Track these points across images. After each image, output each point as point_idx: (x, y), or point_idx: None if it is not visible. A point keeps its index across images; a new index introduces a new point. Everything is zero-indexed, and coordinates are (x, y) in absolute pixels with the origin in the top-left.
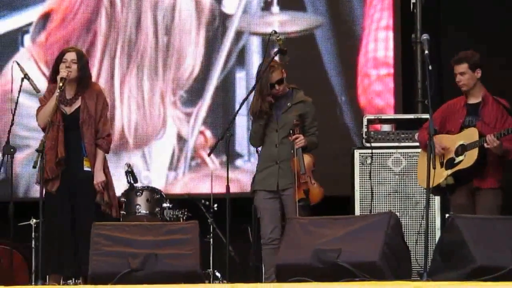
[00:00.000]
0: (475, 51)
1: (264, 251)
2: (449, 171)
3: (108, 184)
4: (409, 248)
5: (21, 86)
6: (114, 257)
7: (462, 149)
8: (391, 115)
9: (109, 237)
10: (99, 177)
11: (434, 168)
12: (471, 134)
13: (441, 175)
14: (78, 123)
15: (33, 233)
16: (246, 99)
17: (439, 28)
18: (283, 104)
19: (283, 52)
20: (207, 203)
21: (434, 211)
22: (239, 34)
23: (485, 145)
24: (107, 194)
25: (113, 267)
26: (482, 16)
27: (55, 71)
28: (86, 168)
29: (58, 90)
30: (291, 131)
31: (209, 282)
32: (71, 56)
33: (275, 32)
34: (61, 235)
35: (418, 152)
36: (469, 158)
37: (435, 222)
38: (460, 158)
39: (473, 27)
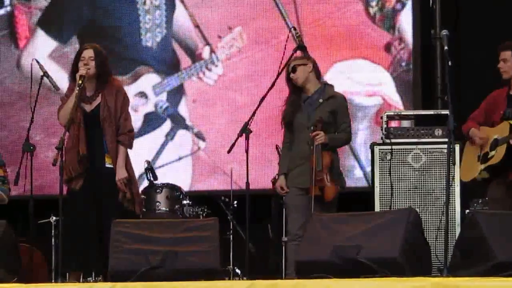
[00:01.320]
0: None
1: (288, 247)
2: (483, 166)
3: (130, 180)
4: (429, 244)
5: (40, 84)
6: (134, 254)
7: (495, 144)
8: (410, 111)
9: (129, 235)
10: (121, 174)
11: (454, 164)
12: (504, 128)
13: (477, 169)
14: (99, 120)
15: (52, 231)
16: (264, 96)
17: (458, 24)
18: (314, 100)
19: (303, 48)
20: (227, 200)
21: (454, 207)
22: None
23: (511, 141)
24: (129, 190)
25: (132, 264)
26: (501, 11)
27: (74, 69)
28: (107, 165)
29: (77, 88)
30: (312, 127)
31: (229, 279)
32: (88, 53)
33: (294, 29)
34: (84, 233)
35: (438, 148)
36: (498, 154)
37: (455, 218)
38: (493, 153)
39: (492, 24)
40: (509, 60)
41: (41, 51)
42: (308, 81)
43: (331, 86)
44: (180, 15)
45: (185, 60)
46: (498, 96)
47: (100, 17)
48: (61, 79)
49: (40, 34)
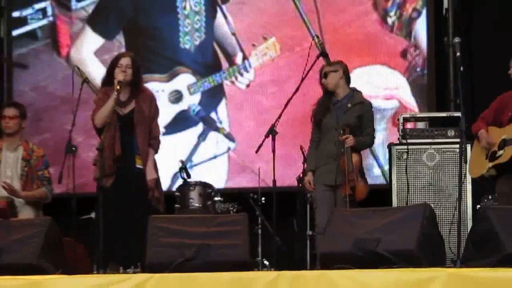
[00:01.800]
0: None
1: (317, 240)
2: (491, 164)
3: (158, 181)
4: (443, 237)
5: (81, 89)
6: (170, 247)
7: (503, 144)
8: (425, 113)
9: (165, 229)
10: (151, 175)
11: (466, 163)
12: None
13: (485, 167)
14: (132, 123)
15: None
16: (289, 100)
17: (470, 31)
18: (344, 104)
19: (325, 55)
20: (255, 196)
21: (466, 203)
22: None
23: None
24: (157, 191)
25: (168, 256)
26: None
27: (109, 75)
28: (138, 165)
29: (116, 93)
30: (341, 130)
31: (258, 270)
32: (126, 61)
33: (317, 37)
34: (115, 227)
35: (451, 148)
36: (506, 153)
37: (467, 213)
38: (501, 152)
39: (501, 31)
40: None
41: (88, 48)
42: (338, 87)
43: (359, 92)
44: (219, 22)
45: (220, 64)
46: (508, 98)
47: (142, 17)
48: (99, 75)
49: (88, 31)
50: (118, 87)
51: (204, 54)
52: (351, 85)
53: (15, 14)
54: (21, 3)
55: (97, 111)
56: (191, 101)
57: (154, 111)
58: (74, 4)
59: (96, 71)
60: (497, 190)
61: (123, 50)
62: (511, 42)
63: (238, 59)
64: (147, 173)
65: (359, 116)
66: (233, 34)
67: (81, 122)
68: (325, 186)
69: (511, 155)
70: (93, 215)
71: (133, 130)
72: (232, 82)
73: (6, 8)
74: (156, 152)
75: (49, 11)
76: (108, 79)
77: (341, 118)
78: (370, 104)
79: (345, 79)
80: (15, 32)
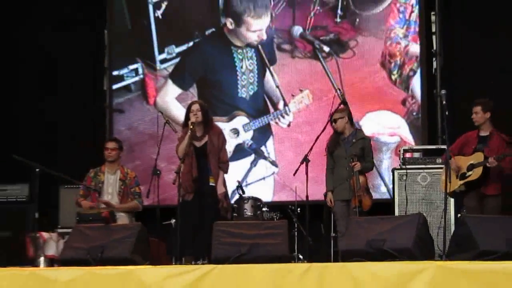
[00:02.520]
0: (489, 100)
1: (339, 240)
2: (461, 182)
3: (227, 195)
4: (433, 238)
5: (163, 128)
6: (229, 245)
7: (471, 167)
8: (419, 146)
9: (226, 232)
10: (220, 190)
11: (450, 182)
12: (478, 156)
13: (456, 184)
14: (206, 152)
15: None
16: (319, 136)
17: (454, 85)
18: (350, 140)
19: (345, 103)
20: (293, 207)
21: (450, 213)
22: None
23: (487, 164)
24: (226, 202)
25: (228, 252)
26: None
27: (186, 119)
28: (211, 183)
29: (190, 131)
30: (351, 159)
31: (295, 262)
32: (196, 107)
33: (339, 90)
34: (193, 229)
35: (438, 172)
36: (475, 173)
37: (450, 220)
38: (470, 173)
39: (476, 85)
40: (478, 113)
41: (170, 96)
42: (345, 129)
43: (361, 131)
44: (267, 78)
45: (268, 109)
46: (470, 136)
47: (209, 73)
48: (181, 115)
49: (170, 84)
50: (191, 127)
51: (256, 102)
52: (363, 123)
53: (115, 73)
54: (119, 65)
55: (179, 146)
56: (245, 137)
57: (222, 142)
58: (158, 66)
59: (176, 113)
60: (465, 203)
61: (195, 98)
62: (484, 94)
63: (281, 105)
64: (218, 189)
65: (362, 148)
66: (277, 87)
67: (163, 152)
68: (341, 201)
69: (479, 174)
70: (172, 221)
71: (207, 157)
72: (276, 123)
73: (108, 69)
74: (225, 172)
75: (140, 71)
76: (185, 122)
77: (348, 150)
78: (369, 139)
79: (350, 121)
80: (114, 86)
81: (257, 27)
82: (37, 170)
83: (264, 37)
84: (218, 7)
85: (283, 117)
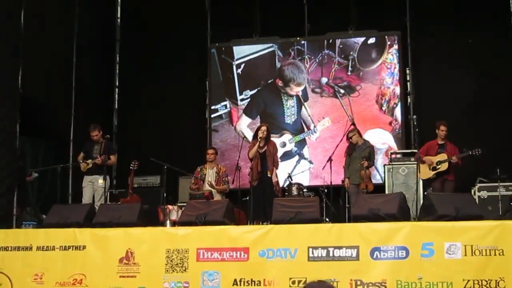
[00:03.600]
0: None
1: (351, 209)
2: (433, 172)
3: (277, 182)
4: (409, 207)
5: (242, 142)
6: (284, 212)
7: (439, 163)
8: (400, 150)
9: (281, 204)
10: (274, 179)
11: (420, 172)
12: (443, 156)
13: (430, 173)
14: (266, 156)
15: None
16: (337, 146)
17: (422, 113)
18: (361, 147)
19: (354, 125)
20: (322, 189)
21: (419, 192)
22: None
23: (452, 161)
24: (278, 187)
25: (283, 216)
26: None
27: (255, 135)
28: (268, 175)
29: (258, 143)
30: (363, 159)
31: (324, 223)
32: (264, 128)
33: (350, 116)
34: (259, 203)
35: (412, 166)
36: (443, 166)
37: (420, 196)
38: (439, 166)
39: (437, 111)
40: (446, 129)
41: (244, 123)
42: (357, 141)
43: (368, 141)
44: (303, 110)
45: (303, 129)
46: (432, 144)
47: (267, 108)
48: (250, 133)
49: (244, 116)
50: (259, 140)
51: (296, 125)
52: (365, 137)
53: (213, 107)
54: (215, 102)
55: (250, 151)
56: (290, 147)
57: (275, 150)
58: (239, 102)
59: (247, 133)
60: (432, 186)
61: (258, 124)
62: (441, 118)
63: (311, 127)
64: (272, 178)
65: (369, 152)
66: (309, 115)
67: (241, 156)
68: (354, 185)
69: (446, 167)
70: (247, 198)
71: (266, 159)
72: (309, 137)
73: (209, 104)
74: (277, 168)
75: (228, 106)
76: (255, 136)
77: (360, 154)
78: (373, 147)
79: (359, 135)
80: (213, 115)
81: (297, 90)
82: (165, 167)
83: (301, 93)
84: (275, 70)
85: (313, 134)
